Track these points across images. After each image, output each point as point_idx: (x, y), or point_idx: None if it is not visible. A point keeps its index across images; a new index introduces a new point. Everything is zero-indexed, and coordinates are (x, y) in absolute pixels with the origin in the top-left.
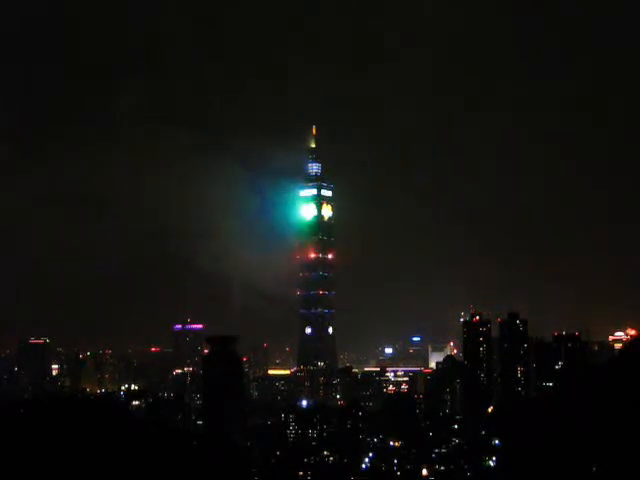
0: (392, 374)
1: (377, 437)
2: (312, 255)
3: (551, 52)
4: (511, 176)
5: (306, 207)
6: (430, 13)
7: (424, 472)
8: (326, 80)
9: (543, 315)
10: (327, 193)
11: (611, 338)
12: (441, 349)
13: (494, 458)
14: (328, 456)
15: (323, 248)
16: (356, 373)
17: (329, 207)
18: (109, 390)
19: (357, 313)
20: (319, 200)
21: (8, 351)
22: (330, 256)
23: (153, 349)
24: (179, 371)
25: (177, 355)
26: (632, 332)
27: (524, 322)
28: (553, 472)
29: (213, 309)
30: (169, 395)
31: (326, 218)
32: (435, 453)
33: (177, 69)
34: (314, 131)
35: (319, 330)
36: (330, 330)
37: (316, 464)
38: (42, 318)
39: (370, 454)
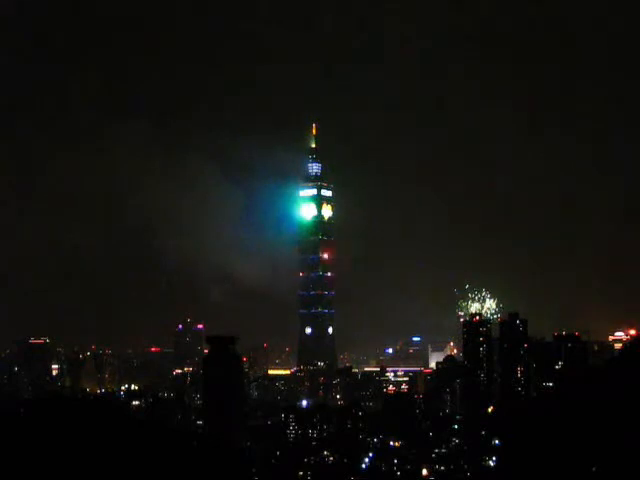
0: (392, 374)
1: (377, 437)
2: (312, 255)
3: None
4: (511, 175)
5: (306, 207)
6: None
7: (424, 472)
8: (326, 79)
9: (543, 315)
10: (327, 193)
11: (611, 338)
12: (441, 349)
13: (494, 458)
14: (328, 456)
15: (323, 248)
16: (356, 373)
17: (329, 207)
18: (109, 390)
19: (357, 313)
20: (319, 200)
21: (8, 351)
22: (330, 256)
23: (153, 349)
24: (179, 371)
25: (177, 355)
26: (632, 332)
27: (524, 322)
28: (553, 472)
29: (213, 309)
30: (169, 395)
31: (326, 218)
32: (435, 453)
33: (170, 66)
34: (314, 131)
35: (319, 330)
36: (330, 330)
37: (316, 464)
38: (42, 318)
39: (370, 454)
